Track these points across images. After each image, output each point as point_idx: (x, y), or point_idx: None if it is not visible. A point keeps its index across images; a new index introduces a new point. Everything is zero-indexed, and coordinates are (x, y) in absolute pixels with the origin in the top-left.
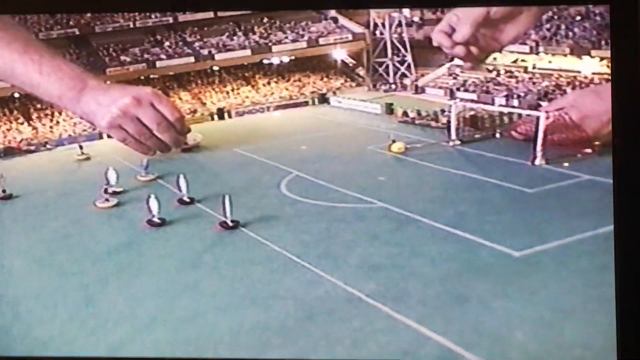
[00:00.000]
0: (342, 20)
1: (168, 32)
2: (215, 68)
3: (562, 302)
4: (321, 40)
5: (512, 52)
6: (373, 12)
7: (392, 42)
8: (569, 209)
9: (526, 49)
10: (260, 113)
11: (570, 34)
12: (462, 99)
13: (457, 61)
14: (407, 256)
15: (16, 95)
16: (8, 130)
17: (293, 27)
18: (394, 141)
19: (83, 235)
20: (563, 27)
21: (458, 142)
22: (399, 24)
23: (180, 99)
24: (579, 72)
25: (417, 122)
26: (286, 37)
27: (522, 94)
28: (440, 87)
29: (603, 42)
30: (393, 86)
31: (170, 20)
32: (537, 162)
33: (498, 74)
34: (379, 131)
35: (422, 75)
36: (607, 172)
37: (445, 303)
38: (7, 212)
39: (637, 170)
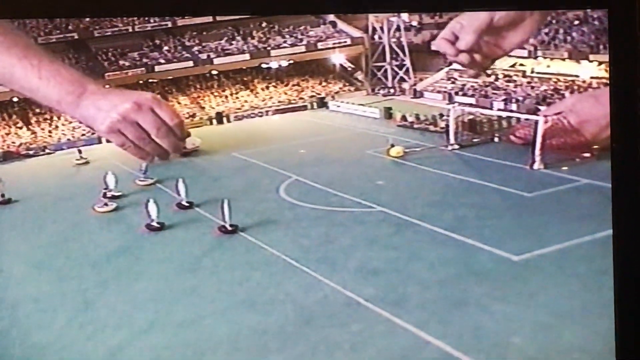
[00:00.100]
0: (341, 25)
1: (167, 37)
2: (214, 72)
3: (560, 306)
4: (320, 45)
5: (510, 56)
6: (371, 17)
7: (390, 47)
8: (567, 213)
9: (524, 53)
10: (259, 117)
11: (569, 38)
12: (460, 103)
13: (455, 65)
14: (406, 260)
15: (15, 99)
16: (7, 134)
17: (292, 31)
18: (392, 145)
19: (82, 239)
20: (561, 31)
21: (457, 147)
22: (398, 29)
23: (179, 103)
24: (577, 76)
25: (415, 126)
26: (285, 42)
27: (520, 98)
28: (439, 91)
29: (601, 47)
30: (392, 90)
31: (169, 24)
32: (536, 166)
33: (496, 78)
34: (378, 135)
35: (421, 80)
36: (605, 176)
37: (444, 307)
38: (6, 217)
39: (635, 175)
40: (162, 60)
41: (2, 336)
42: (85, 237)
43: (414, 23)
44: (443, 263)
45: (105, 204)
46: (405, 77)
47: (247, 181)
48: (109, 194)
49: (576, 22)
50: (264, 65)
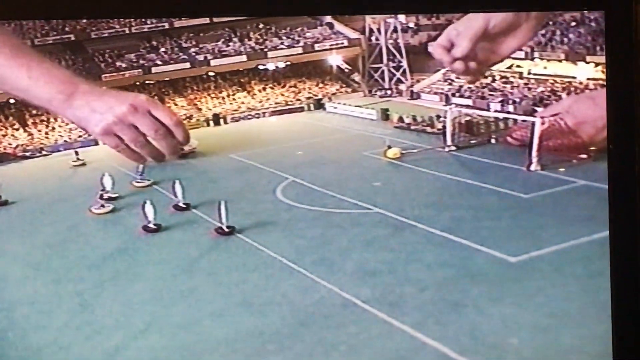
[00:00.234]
0: (338, 26)
1: (164, 38)
2: (211, 74)
3: (558, 307)
4: (317, 46)
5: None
6: (368, 18)
7: (387, 48)
8: (564, 215)
9: (521, 54)
10: (256, 119)
11: (566, 39)
12: (457, 105)
13: None
14: (403, 262)
15: (12, 101)
16: (4, 136)
17: (289, 32)
18: (389, 147)
19: (79, 241)
20: (558, 33)
21: (454, 148)
22: (395, 30)
23: (176, 104)
24: (574, 77)
25: (412, 127)
26: (282, 43)
27: (517, 100)
28: (436, 93)
29: (598, 48)
30: (389, 92)
31: (166, 26)
32: (533, 167)
33: (493, 80)
34: (375, 137)
35: (418, 81)
36: (602, 178)
37: (441, 309)
38: (2, 218)
39: (632, 176)
40: (159, 62)
41: None
42: (82, 239)
43: (411, 24)
44: (440, 264)
45: (102, 206)
46: (402, 79)
47: (244, 183)
48: (105, 196)
49: (573, 24)
50: (260, 67)
